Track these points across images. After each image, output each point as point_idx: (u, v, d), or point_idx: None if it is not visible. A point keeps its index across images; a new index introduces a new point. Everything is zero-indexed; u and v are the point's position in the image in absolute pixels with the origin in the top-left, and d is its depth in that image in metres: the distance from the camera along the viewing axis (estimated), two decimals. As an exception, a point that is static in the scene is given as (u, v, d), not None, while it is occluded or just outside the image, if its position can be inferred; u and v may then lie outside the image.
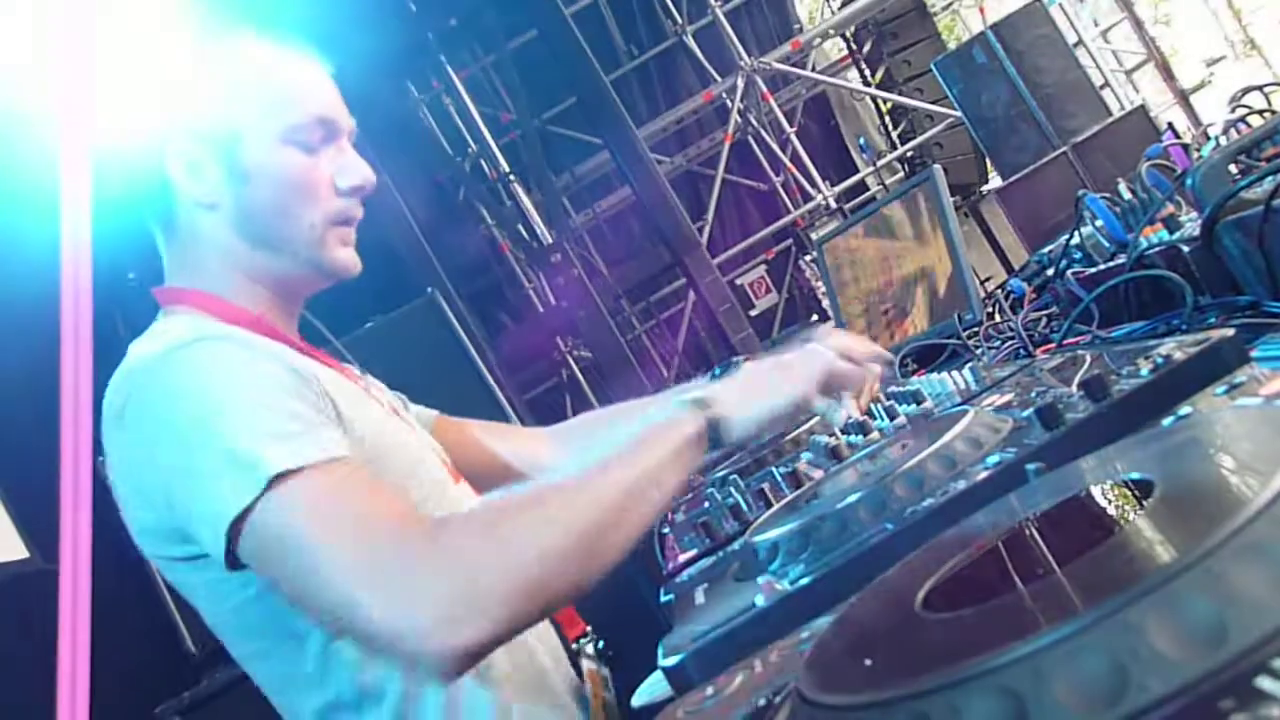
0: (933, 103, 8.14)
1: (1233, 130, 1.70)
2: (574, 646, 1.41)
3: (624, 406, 1.78)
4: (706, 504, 1.54)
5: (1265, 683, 0.38)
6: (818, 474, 1.39)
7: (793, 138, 8.57)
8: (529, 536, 1.00)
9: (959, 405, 1.35)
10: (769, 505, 1.35)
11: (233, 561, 1.06)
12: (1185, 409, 0.84)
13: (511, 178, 8.12)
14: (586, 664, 1.39)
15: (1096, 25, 9.39)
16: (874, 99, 9.15)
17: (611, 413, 1.79)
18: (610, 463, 1.11)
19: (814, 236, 6.99)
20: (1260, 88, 1.76)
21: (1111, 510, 0.65)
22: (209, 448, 1.05)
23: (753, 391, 1.21)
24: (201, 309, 1.27)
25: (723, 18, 8.23)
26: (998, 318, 2.04)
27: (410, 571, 0.97)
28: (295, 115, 1.28)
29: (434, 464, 1.37)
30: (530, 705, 1.26)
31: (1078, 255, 1.78)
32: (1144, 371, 0.94)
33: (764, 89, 8.33)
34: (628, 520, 1.07)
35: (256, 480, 1.01)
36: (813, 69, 9.04)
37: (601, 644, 1.43)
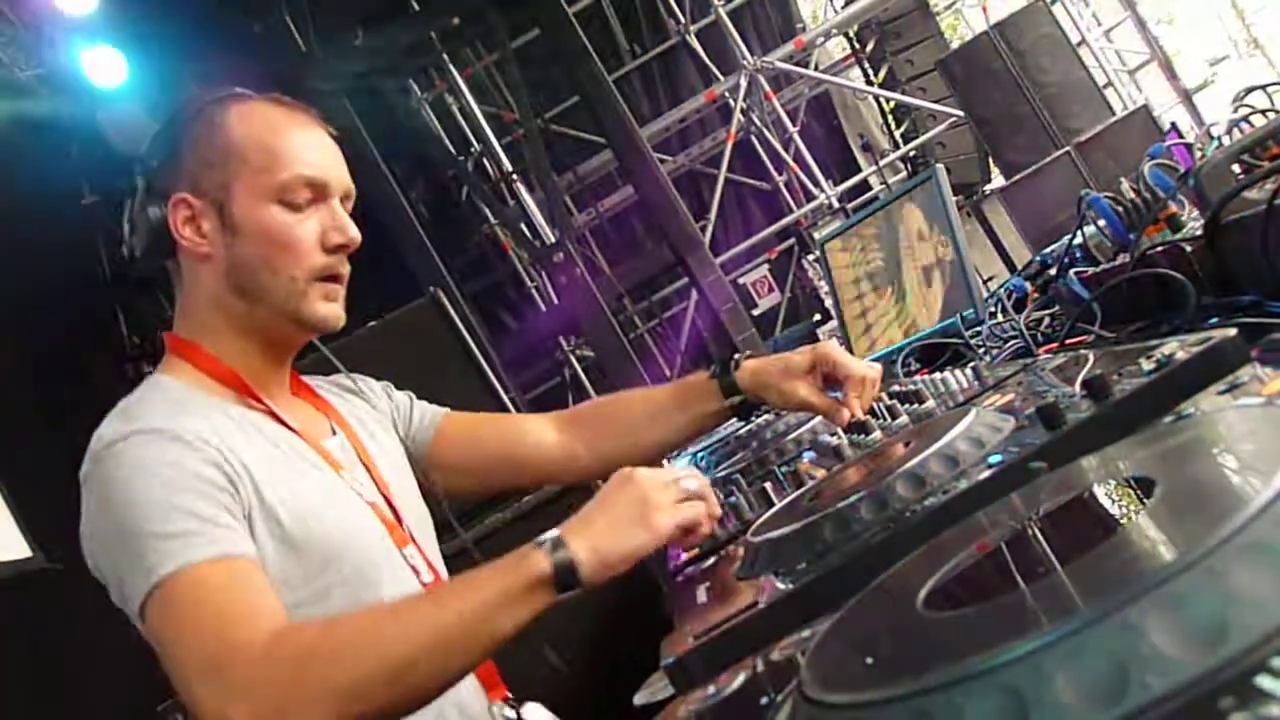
0: (935, 102, 8.14)
1: (1236, 130, 1.69)
2: (492, 709, 1.43)
3: (630, 393, 1.79)
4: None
5: (1265, 681, 0.38)
6: (820, 473, 1.39)
7: (795, 137, 8.57)
8: (344, 667, 1.10)
9: (961, 405, 1.35)
10: (771, 505, 1.36)
11: None
12: (1187, 408, 0.84)
13: (514, 177, 8.13)
14: None
15: (1099, 25, 9.39)
16: (877, 98, 9.15)
17: (617, 399, 1.79)
18: (443, 597, 1.19)
19: (817, 236, 6.99)
20: (1263, 87, 1.76)
21: (1113, 509, 0.66)
22: (124, 543, 1.20)
23: (610, 533, 1.17)
24: (192, 363, 1.41)
25: (725, 17, 8.23)
26: (1000, 317, 2.04)
27: (235, 682, 1.09)
28: (284, 176, 1.38)
29: (369, 534, 1.41)
30: None
31: (1080, 255, 1.78)
32: (1146, 371, 0.94)
33: (766, 88, 8.33)
34: (449, 657, 1.14)
35: (150, 581, 1.16)
36: (815, 68, 9.03)
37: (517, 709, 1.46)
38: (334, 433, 1.50)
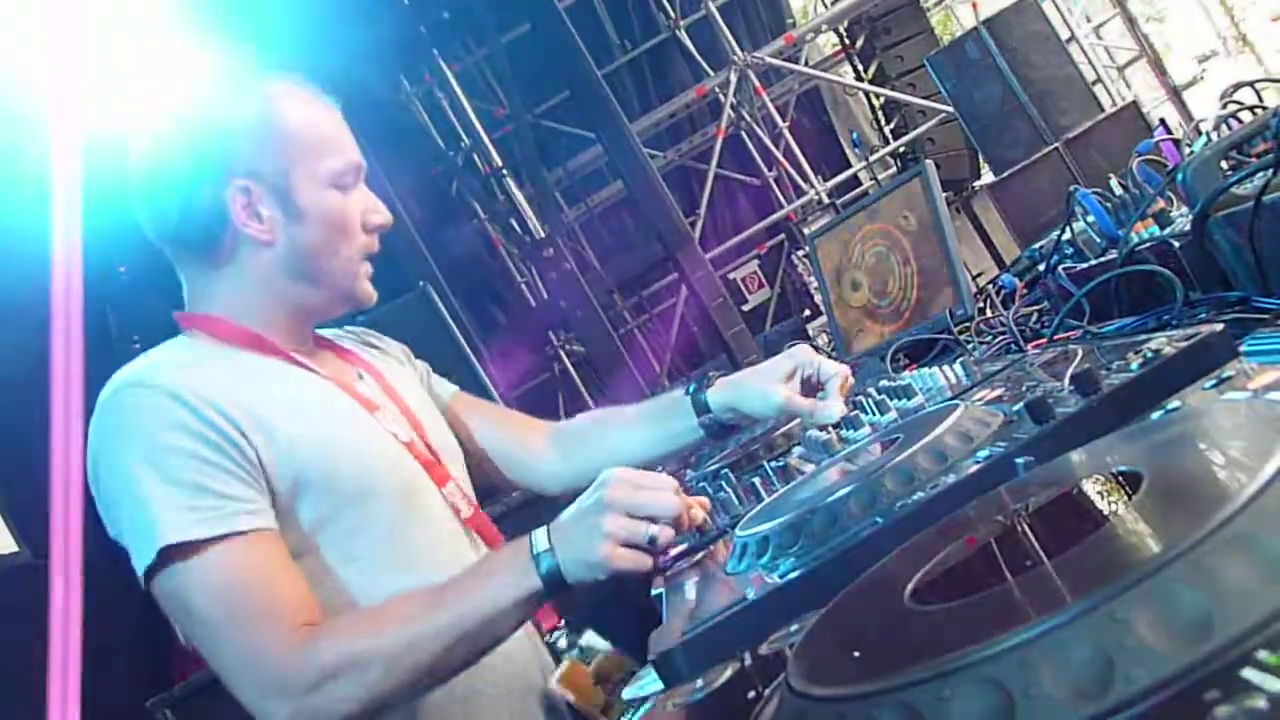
0: (925, 98, 8.15)
1: (1224, 126, 1.70)
2: (548, 640, 1.48)
3: (612, 411, 1.79)
4: (698, 498, 1.54)
5: (1250, 674, 0.38)
6: (809, 468, 1.39)
7: (785, 132, 8.58)
8: (374, 675, 1.17)
9: (950, 400, 1.35)
10: (760, 499, 1.35)
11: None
12: (1174, 403, 0.84)
13: (504, 172, 8.12)
14: (566, 658, 1.43)
15: (1089, 21, 9.42)
16: (867, 94, 9.16)
17: (600, 416, 1.80)
18: (459, 604, 1.21)
19: (806, 231, 6.99)
20: (1251, 84, 1.76)
21: (1100, 503, 0.66)
22: (128, 500, 1.22)
23: (582, 548, 1.20)
24: (208, 332, 1.41)
25: (715, 12, 8.23)
26: (989, 313, 2.04)
27: (274, 683, 1.17)
28: (338, 161, 1.41)
29: (405, 470, 1.43)
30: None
31: (1069, 250, 1.79)
32: (1134, 366, 0.94)
33: (757, 84, 8.33)
34: (466, 657, 1.23)
35: (155, 546, 1.18)
36: (806, 64, 9.04)
37: (568, 635, 1.47)
38: (360, 377, 1.53)
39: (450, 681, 1.27)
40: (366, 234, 1.46)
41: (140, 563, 1.21)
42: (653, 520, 1.20)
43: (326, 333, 1.60)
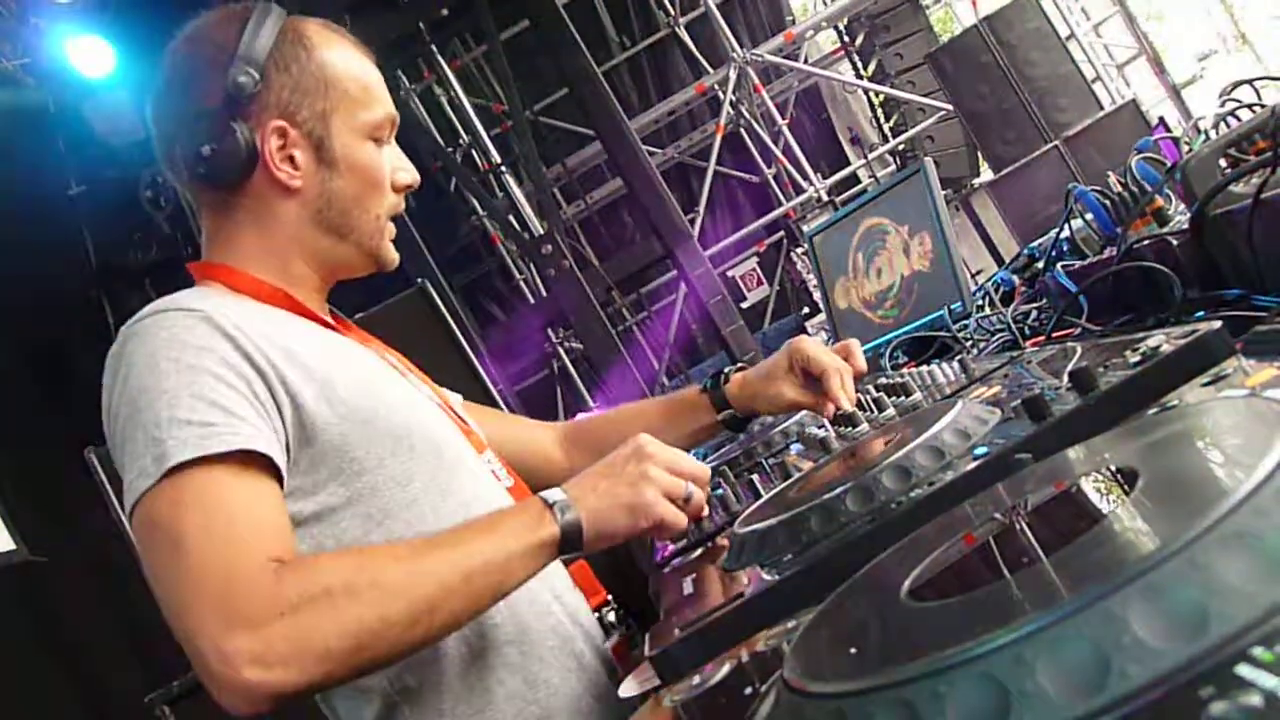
0: (925, 96, 8.15)
1: (1223, 124, 1.70)
2: (595, 615, 1.42)
3: (623, 411, 1.80)
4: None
5: (1245, 671, 0.38)
6: (806, 465, 1.39)
7: (785, 130, 8.58)
8: (365, 603, 1.02)
9: (948, 397, 1.35)
10: (758, 496, 1.35)
11: None
12: (1172, 401, 0.84)
13: (503, 169, 8.12)
14: (615, 633, 1.41)
15: (1088, 19, 9.41)
16: (866, 92, 9.16)
17: (610, 418, 1.80)
18: (462, 545, 1.12)
19: (805, 228, 6.99)
20: (1250, 82, 1.76)
21: (1097, 500, 0.66)
22: (137, 424, 1.11)
23: (612, 503, 1.18)
24: (224, 282, 1.33)
25: (715, 9, 8.22)
26: (988, 310, 2.05)
27: (242, 611, 0.99)
28: (376, 112, 1.37)
29: (449, 430, 1.38)
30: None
31: (1067, 248, 1.79)
32: (1131, 363, 0.94)
33: (756, 81, 8.33)
34: (464, 607, 1.10)
35: (160, 467, 1.06)
36: (805, 61, 9.05)
37: (615, 612, 1.44)
38: (382, 351, 1.48)
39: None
40: (395, 193, 1.41)
41: (142, 482, 1.07)
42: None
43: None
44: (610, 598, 1.45)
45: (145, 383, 1.12)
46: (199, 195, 1.37)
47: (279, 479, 1.14)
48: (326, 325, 1.37)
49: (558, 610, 1.33)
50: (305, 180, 1.33)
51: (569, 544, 1.15)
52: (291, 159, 1.32)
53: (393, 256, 1.43)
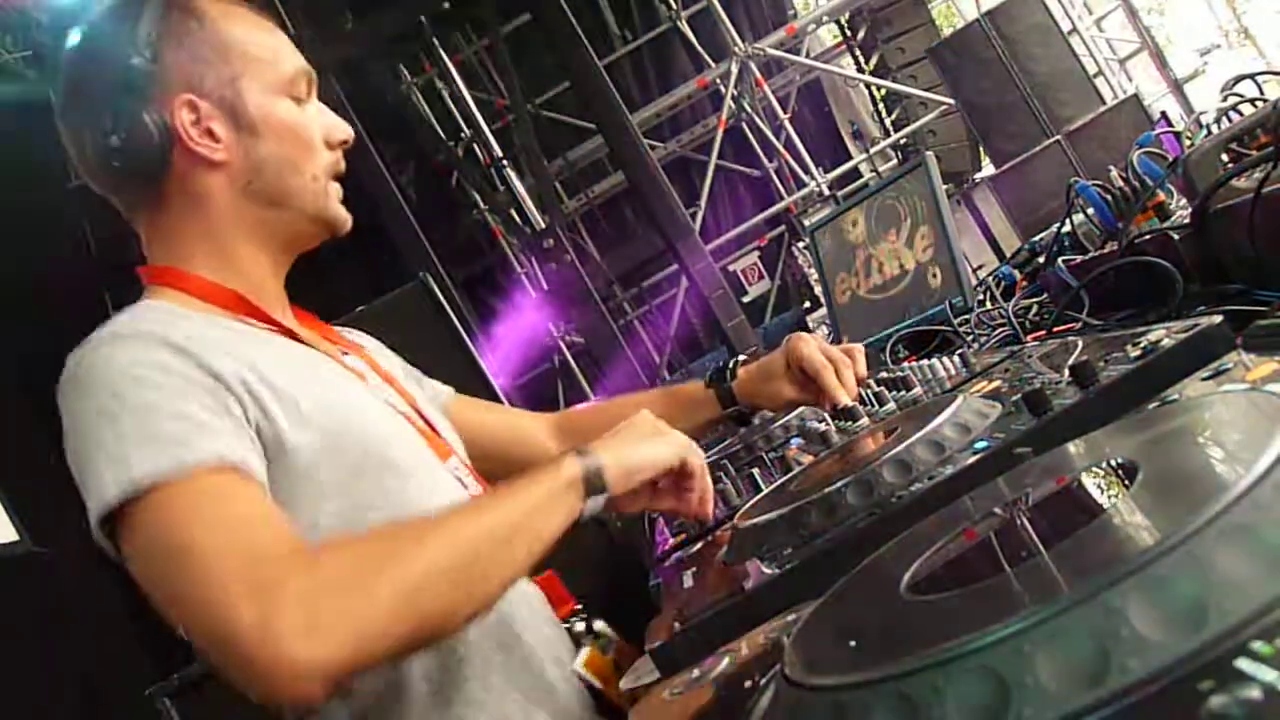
0: (926, 90, 8.14)
1: (1224, 119, 1.70)
2: (565, 625, 1.37)
3: (623, 401, 1.79)
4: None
5: (1244, 664, 0.38)
6: (807, 459, 1.39)
7: (786, 124, 8.56)
8: (407, 562, 0.98)
9: (948, 391, 1.35)
10: (758, 490, 1.36)
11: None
12: (1172, 395, 0.84)
13: (504, 162, 8.11)
14: (585, 644, 1.34)
15: (1090, 13, 9.38)
16: (868, 86, 9.15)
17: (609, 408, 1.78)
18: (488, 503, 1.11)
19: (807, 223, 6.99)
20: (1253, 76, 1.76)
21: (1096, 494, 0.66)
22: (98, 443, 1.04)
23: (632, 444, 1.20)
24: (180, 289, 1.26)
25: (717, 3, 8.21)
26: (989, 305, 2.05)
27: (283, 590, 0.93)
28: (285, 68, 1.31)
29: (408, 441, 1.31)
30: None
31: (1069, 243, 1.79)
32: (1132, 358, 0.94)
33: (758, 75, 8.32)
34: (505, 558, 1.06)
35: (129, 480, 1.00)
36: (807, 55, 9.03)
37: (589, 621, 1.40)
38: (345, 354, 1.40)
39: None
40: (330, 150, 1.35)
41: (117, 492, 1.00)
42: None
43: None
44: (580, 607, 1.42)
45: (105, 407, 1.05)
46: (127, 197, 1.31)
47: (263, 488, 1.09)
48: (285, 331, 1.30)
49: (530, 640, 1.28)
50: (229, 151, 1.26)
51: (594, 483, 1.14)
52: (210, 132, 1.25)
53: (343, 217, 1.36)
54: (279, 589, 0.92)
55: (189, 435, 1.03)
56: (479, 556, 1.03)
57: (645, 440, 1.21)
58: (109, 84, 1.23)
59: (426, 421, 1.40)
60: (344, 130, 1.37)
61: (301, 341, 1.32)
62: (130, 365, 1.08)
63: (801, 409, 1.79)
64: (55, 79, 1.30)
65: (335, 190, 1.36)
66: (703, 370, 2.21)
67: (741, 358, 1.69)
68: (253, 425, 1.11)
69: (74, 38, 1.29)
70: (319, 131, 1.33)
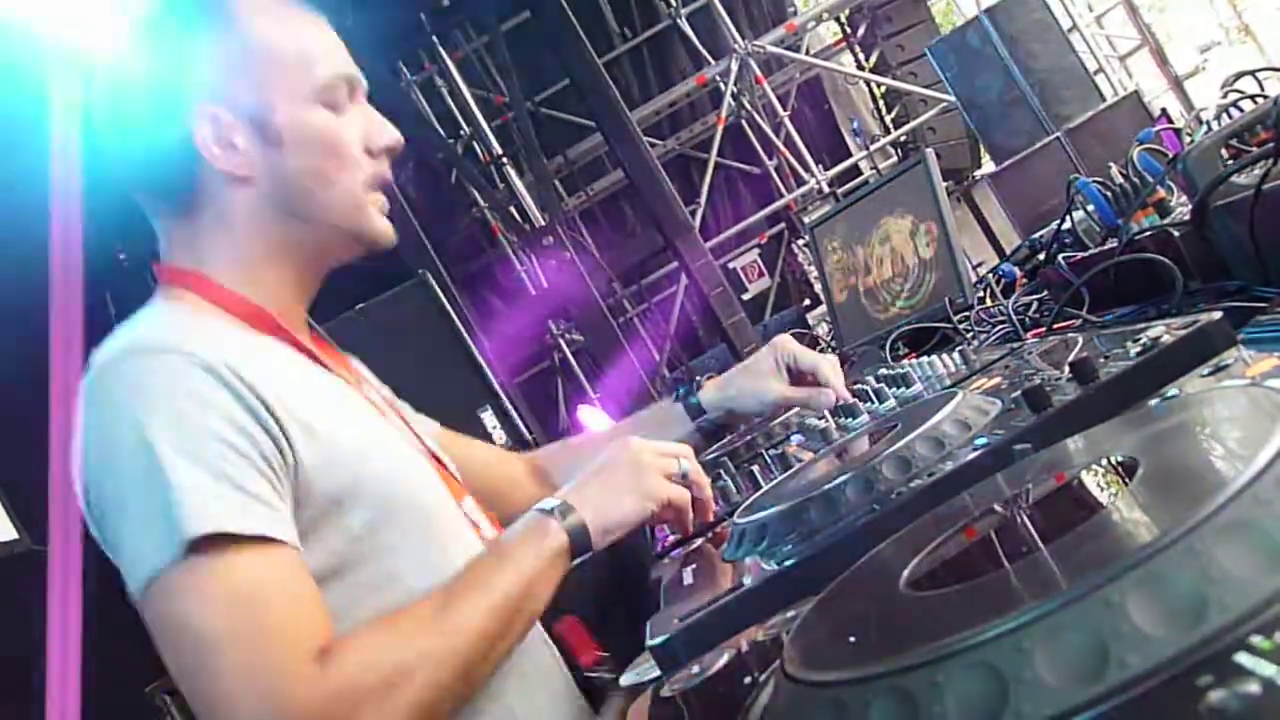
0: (926, 87, 8.13)
1: (1225, 115, 1.70)
2: (588, 675, 1.35)
3: (597, 435, 1.78)
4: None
5: (1244, 659, 0.38)
6: (807, 456, 1.39)
7: (786, 121, 8.56)
8: (418, 680, 0.99)
9: (948, 388, 1.35)
10: (758, 487, 1.36)
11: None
12: (1172, 391, 0.84)
13: (504, 160, 8.11)
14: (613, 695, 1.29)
15: (1091, 10, 9.38)
16: (868, 83, 9.14)
17: (584, 444, 1.77)
18: (489, 581, 1.08)
19: (807, 220, 6.98)
20: (1253, 73, 1.75)
21: (1096, 490, 0.66)
22: (144, 484, 0.99)
23: (612, 496, 1.17)
24: (198, 293, 1.20)
25: (716, 0, 8.20)
26: (989, 302, 2.04)
27: (294, 694, 0.93)
28: (320, 74, 1.21)
29: (430, 482, 1.26)
30: None
31: (1069, 240, 1.78)
32: (1132, 354, 0.94)
33: (758, 72, 8.31)
34: (506, 643, 1.08)
35: (178, 538, 0.96)
36: (807, 52, 9.02)
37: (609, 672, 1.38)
38: (359, 383, 1.34)
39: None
40: (372, 158, 1.25)
41: (152, 561, 0.97)
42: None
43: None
44: (603, 655, 1.40)
45: (142, 443, 0.99)
46: (149, 204, 1.25)
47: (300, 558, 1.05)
48: (310, 355, 1.24)
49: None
50: (253, 166, 1.18)
51: (579, 545, 1.14)
52: (233, 146, 1.17)
53: (382, 230, 1.28)
54: (289, 703, 0.93)
55: (230, 499, 0.99)
56: (483, 650, 1.05)
57: (624, 493, 1.18)
58: (137, 90, 1.18)
59: (436, 458, 1.35)
60: (389, 135, 1.28)
61: (325, 368, 1.26)
62: (168, 393, 1.02)
63: (788, 414, 1.78)
64: (78, 81, 1.27)
65: (377, 201, 1.28)
66: (703, 368, 2.21)
67: (707, 375, 1.69)
68: (291, 473, 1.07)
69: (120, 34, 1.23)
70: (358, 140, 1.24)
